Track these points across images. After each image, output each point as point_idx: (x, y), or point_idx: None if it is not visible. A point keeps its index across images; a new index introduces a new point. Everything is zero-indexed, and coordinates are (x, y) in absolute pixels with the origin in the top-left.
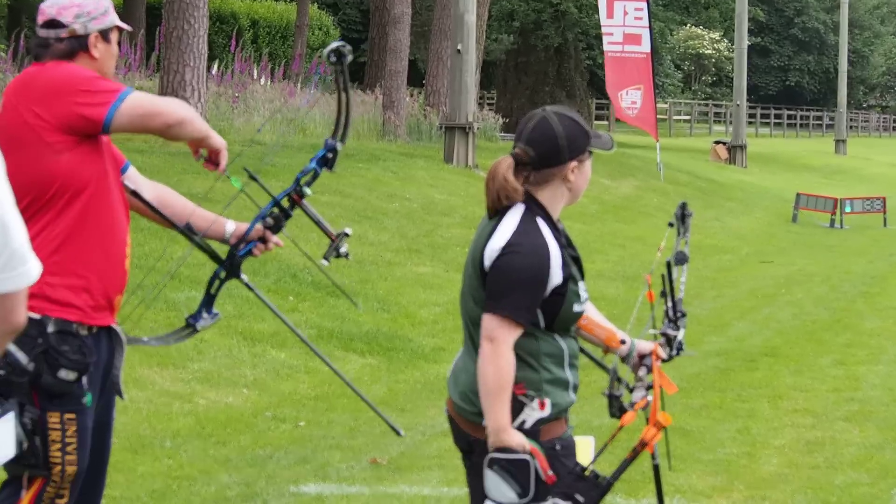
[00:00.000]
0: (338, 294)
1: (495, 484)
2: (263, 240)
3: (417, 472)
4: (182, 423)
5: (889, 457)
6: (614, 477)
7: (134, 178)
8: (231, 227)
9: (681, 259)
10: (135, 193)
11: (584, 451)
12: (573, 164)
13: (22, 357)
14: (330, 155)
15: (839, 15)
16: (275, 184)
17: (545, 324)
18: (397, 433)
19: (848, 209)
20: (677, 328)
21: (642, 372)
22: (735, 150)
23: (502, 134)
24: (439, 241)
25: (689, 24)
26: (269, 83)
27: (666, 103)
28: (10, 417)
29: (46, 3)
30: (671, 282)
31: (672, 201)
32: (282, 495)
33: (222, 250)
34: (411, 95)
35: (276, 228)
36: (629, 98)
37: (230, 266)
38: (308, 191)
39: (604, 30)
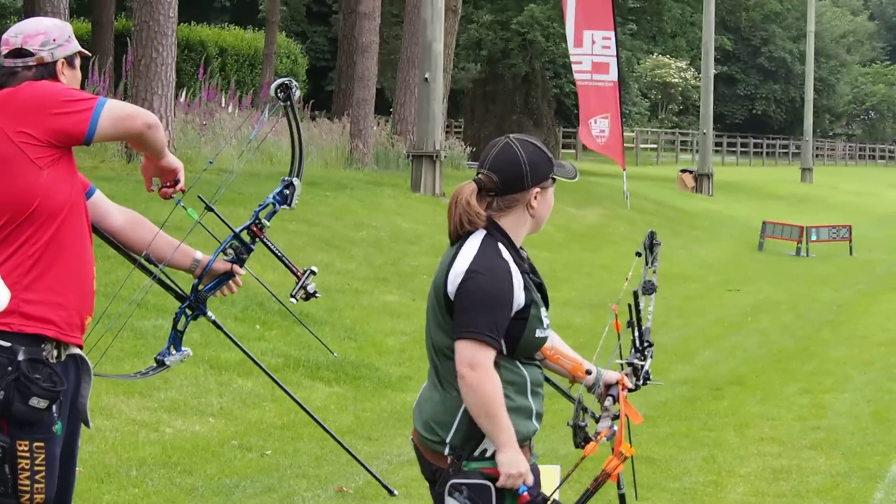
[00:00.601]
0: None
1: None
2: (231, 275)
3: (383, 500)
4: (148, 452)
5: (855, 485)
6: None
7: (102, 203)
8: (199, 255)
9: (649, 288)
10: (94, 229)
11: (550, 480)
12: (536, 190)
13: None
14: (287, 191)
15: (805, 44)
16: (242, 212)
17: (507, 350)
18: (391, 493)
19: (814, 237)
20: (644, 358)
21: (608, 402)
22: (701, 179)
23: (470, 162)
24: (406, 270)
25: (655, 53)
26: (236, 111)
27: (633, 132)
28: None
29: (9, 32)
30: (638, 312)
31: (638, 230)
32: None
33: (184, 281)
34: (379, 124)
35: (238, 263)
36: (598, 126)
37: (195, 302)
38: (267, 223)
39: (572, 59)
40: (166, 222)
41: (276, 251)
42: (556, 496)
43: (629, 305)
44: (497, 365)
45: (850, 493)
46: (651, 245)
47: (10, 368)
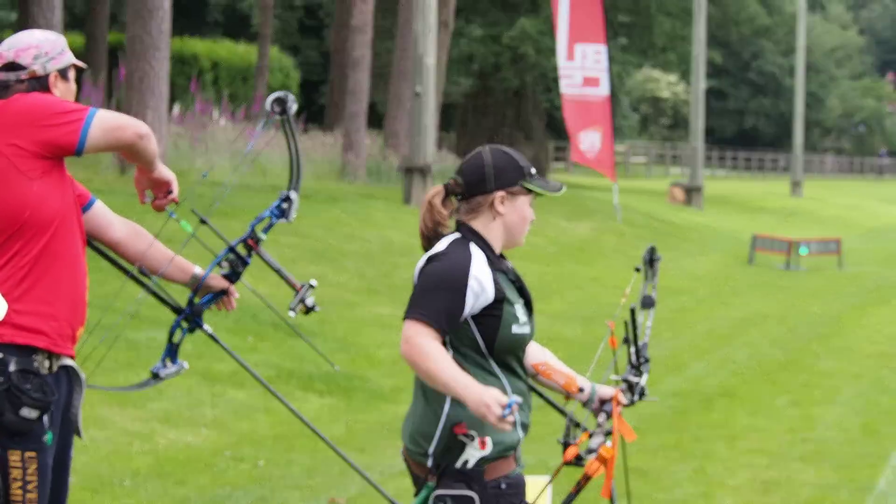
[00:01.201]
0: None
1: None
2: (225, 291)
3: None
4: (141, 463)
5: (844, 497)
6: None
7: (103, 213)
8: (198, 271)
9: (647, 303)
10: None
11: (538, 491)
12: (500, 193)
13: None
14: (285, 205)
15: (795, 58)
16: (234, 225)
17: (486, 348)
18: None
19: (803, 251)
20: (640, 374)
21: (602, 418)
22: (691, 192)
23: None
24: (398, 282)
25: (646, 67)
26: (229, 124)
27: (623, 145)
28: None
29: (2, 45)
30: (635, 329)
31: (629, 243)
32: None
33: (180, 293)
34: (371, 137)
35: (233, 276)
36: (588, 140)
37: (191, 315)
38: (263, 236)
39: (563, 72)
40: (159, 235)
41: (274, 265)
42: None
43: (625, 322)
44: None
45: None
46: (651, 260)
47: (1, 379)
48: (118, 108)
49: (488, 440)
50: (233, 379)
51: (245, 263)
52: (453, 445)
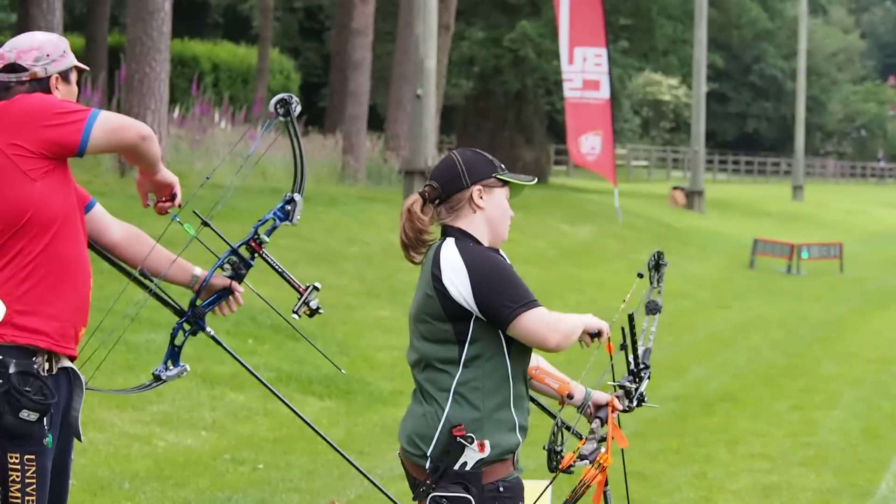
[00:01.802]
0: (298, 337)
1: None
2: (229, 291)
3: None
4: (141, 465)
5: (845, 502)
6: None
7: (101, 216)
8: (198, 271)
9: (653, 308)
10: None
11: (535, 495)
12: (477, 187)
13: None
14: (288, 207)
15: (797, 62)
16: (235, 227)
17: (505, 340)
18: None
19: (805, 255)
20: (638, 380)
21: (595, 424)
22: (693, 196)
23: None
24: (398, 285)
25: (647, 71)
26: (229, 127)
27: (624, 149)
28: None
29: (4, 47)
30: (633, 335)
31: (630, 246)
32: None
33: (181, 294)
34: (371, 140)
35: (236, 278)
36: (588, 143)
37: (193, 318)
38: (266, 238)
39: (564, 76)
40: (161, 238)
41: (277, 267)
42: None
43: (622, 329)
44: (484, 375)
45: None
46: (657, 265)
47: (0, 381)
48: (118, 110)
49: (487, 443)
50: (232, 382)
51: (248, 265)
52: (452, 448)
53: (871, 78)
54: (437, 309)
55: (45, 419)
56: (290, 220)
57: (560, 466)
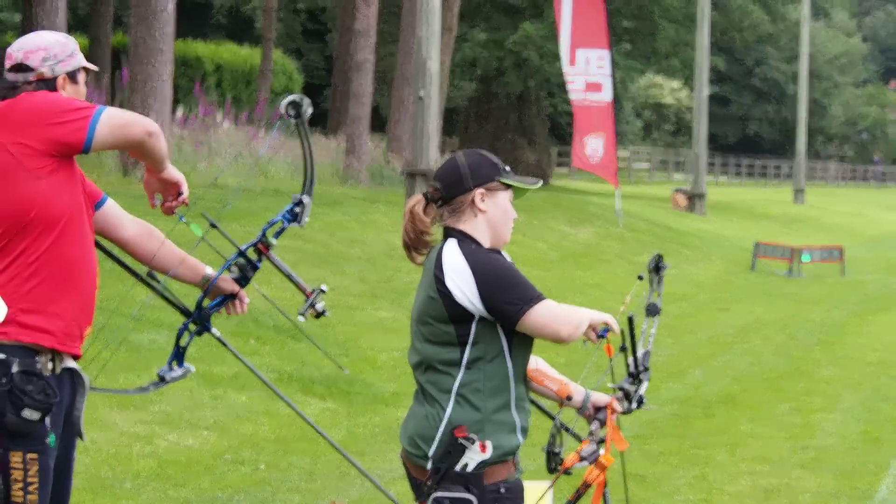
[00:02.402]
0: (299, 337)
1: None
2: (235, 295)
3: None
4: (142, 465)
5: None
6: None
7: (114, 212)
8: (209, 272)
9: (653, 311)
10: (96, 243)
11: (538, 496)
12: (479, 190)
13: None
14: (297, 209)
15: (799, 65)
16: (237, 227)
17: (506, 340)
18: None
19: (806, 258)
20: (638, 382)
21: (595, 426)
22: (694, 199)
23: None
24: (400, 286)
25: (649, 73)
26: (232, 127)
27: (626, 151)
28: None
29: (13, 47)
30: (633, 337)
31: (631, 249)
32: None
33: (185, 294)
34: (374, 141)
35: (243, 280)
36: (591, 145)
37: (199, 319)
38: (273, 241)
39: (566, 77)
40: (167, 238)
41: (285, 269)
42: None
43: (622, 331)
44: (486, 376)
45: None
46: (657, 267)
47: (3, 380)
48: None
49: (488, 444)
50: (234, 382)
51: (255, 268)
52: (453, 449)
53: (872, 81)
54: (440, 311)
55: (47, 418)
56: (299, 223)
57: (561, 467)
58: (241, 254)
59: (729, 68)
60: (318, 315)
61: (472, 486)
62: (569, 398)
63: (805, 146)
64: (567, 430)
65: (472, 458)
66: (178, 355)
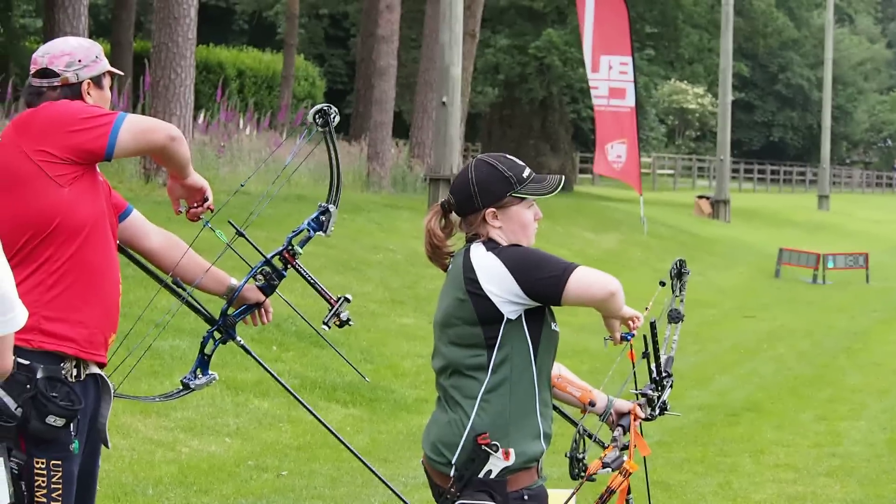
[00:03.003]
0: (322, 344)
1: None
2: (260, 305)
3: None
4: (165, 472)
5: None
6: None
7: (140, 223)
8: (234, 282)
9: (675, 317)
10: (120, 248)
11: (561, 503)
12: (490, 210)
13: (10, 402)
14: (323, 218)
15: (823, 71)
16: (260, 234)
17: (532, 344)
18: None
19: (830, 265)
20: (661, 389)
21: (618, 432)
22: (718, 205)
23: None
24: (423, 293)
25: (673, 79)
26: (254, 133)
27: (650, 157)
28: (0, 463)
29: (38, 52)
30: (655, 343)
31: (655, 255)
32: None
33: (208, 301)
34: (396, 147)
35: (268, 289)
36: (614, 151)
37: (224, 327)
38: (300, 250)
39: (590, 83)
40: (193, 245)
41: (310, 278)
42: None
43: (644, 336)
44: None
45: None
46: (679, 273)
47: (28, 386)
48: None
49: (512, 451)
50: (256, 388)
51: (281, 276)
52: (476, 455)
53: None
54: (469, 312)
55: (71, 425)
56: (324, 232)
57: (585, 473)
58: (267, 262)
59: (753, 74)
60: (342, 324)
61: (495, 493)
62: (591, 404)
63: (829, 152)
64: (590, 436)
65: (496, 464)
66: (203, 363)
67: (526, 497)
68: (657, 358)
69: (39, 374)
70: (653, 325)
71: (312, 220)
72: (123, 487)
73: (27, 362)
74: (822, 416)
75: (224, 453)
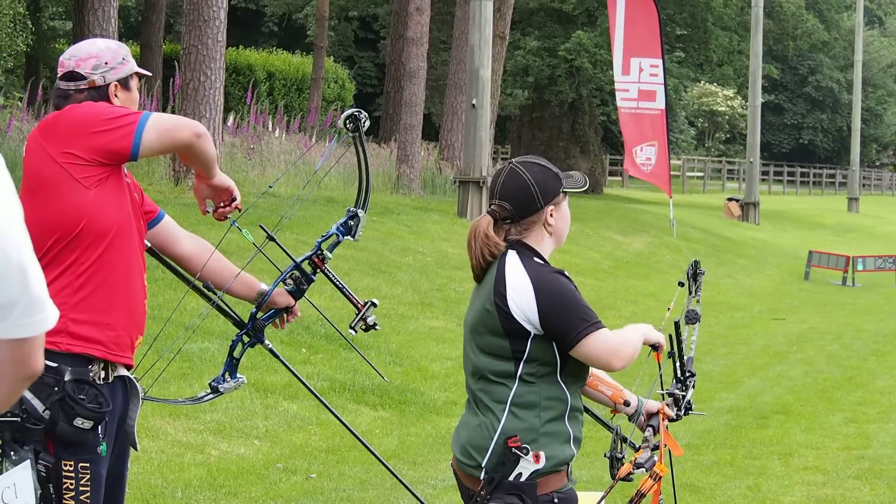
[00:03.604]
0: (351, 347)
1: None
2: (289, 309)
3: None
4: (194, 474)
5: None
6: None
7: (171, 228)
8: (264, 288)
9: (692, 318)
10: (151, 251)
11: None
12: (550, 208)
13: (38, 404)
14: (351, 222)
15: (853, 73)
16: (289, 236)
17: (560, 364)
18: None
19: (860, 267)
20: (686, 388)
21: (648, 433)
22: (748, 208)
23: None
24: (452, 296)
25: (702, 82)
26: (284, 135)
27: (679, 160)
28: (27, 465)
29: (65, 55)
30: (679, 342)
31: (685, 258)
32: None
33: (241, 308)
34: (426, 149)
35: (297, 293)
36: (644, 154)
37: (253, 331)
38: (329, 254)
39: (618, 86)
40: (219, 246)
41: (338, 283)
42: None
43: (669, 336)
44: (539, 388)
45: None
46: (695, 274)
47: (56, 388)
48: None
49: (542, 454)
50: (286, 391)
51: (310, 281)
52: (507, 459)
53: None
54: (496, 324)
55: (99, 427)
56: (353, 237)
57: (617, 475)
58: (297, 266)
59: (783, 76)
60: (369, 328)
61: (525, 496)
62: (625, 403)
63: (859, 155)
64: (625, 440)
65: (526, 468)
66: (232, 366)
67: (556, 500)
68: (681, 357)
69: (67, 377)
70: (677, 325)
71: (341, 224)
72: (152, 490)
73: (55, 365)
74: (851, 419)
75: (253, 456)
